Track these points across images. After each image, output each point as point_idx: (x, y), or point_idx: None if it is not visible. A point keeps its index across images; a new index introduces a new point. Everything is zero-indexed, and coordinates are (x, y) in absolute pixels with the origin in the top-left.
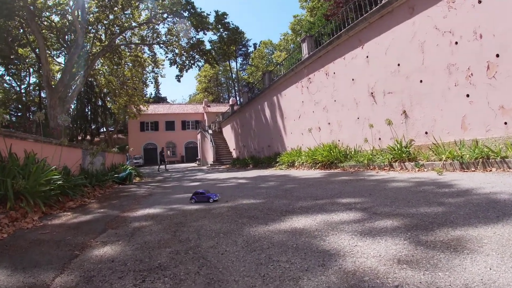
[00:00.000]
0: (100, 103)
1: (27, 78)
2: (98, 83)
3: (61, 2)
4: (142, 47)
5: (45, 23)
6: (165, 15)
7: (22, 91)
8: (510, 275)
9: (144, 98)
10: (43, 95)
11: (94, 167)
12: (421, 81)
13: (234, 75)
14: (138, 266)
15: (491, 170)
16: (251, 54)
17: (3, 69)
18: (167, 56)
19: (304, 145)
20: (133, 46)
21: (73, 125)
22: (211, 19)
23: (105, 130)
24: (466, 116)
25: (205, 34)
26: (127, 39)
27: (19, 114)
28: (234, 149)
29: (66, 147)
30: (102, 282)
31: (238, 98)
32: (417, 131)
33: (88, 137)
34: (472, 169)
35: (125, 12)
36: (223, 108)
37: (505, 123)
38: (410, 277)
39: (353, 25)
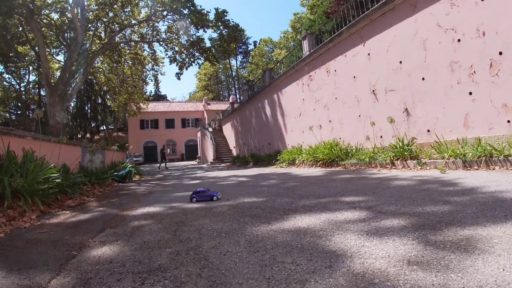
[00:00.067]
0: (100, 101)
1: (27, 76)
2: (98, 81)
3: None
4: (142, 44)
5: (45, 21)
6: (165, 13)
7: (22, 89)
8: None
9: (144, 96)
10: (42, 93)
11: (94, 165)
12: (423, 78)
13: (234, 73)
14: (137, 268)
15: (494, 169)
16: (251, 52)
17: (2, 67)
18: (167, 54)
19: (305, 143)
20: (132, 43)
21: (73, 123)
22: (211, 16)
23: (105, 128)
24: (468, 114)
25: (205, 32)
26: (126, 37)
27: (18, 112)
28: (234, 147)
29: (65, 145)
30: (99, 285)
31: (238, 96)
32: (419, 129)
33: (88, 135)
34: (475, 167)
35: (125, 9)
36: (223, 106)
37: (508, 121)
38: (422, 279)
39: (354, 22)
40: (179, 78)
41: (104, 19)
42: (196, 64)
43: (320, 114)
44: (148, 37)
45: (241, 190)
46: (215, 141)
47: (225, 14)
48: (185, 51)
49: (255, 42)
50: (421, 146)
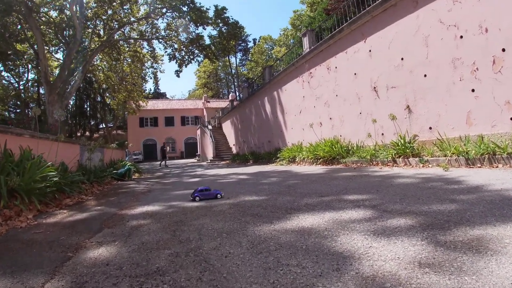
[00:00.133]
0: (99, 99)
1: (26, 75)
2: (97, 79)
3: None
4: (141, 42)
5: (43, 18)
6: (164, 10)
7: (21, 87)
8: None
9: (143, 93)
10: (42, 91)
11: (92, 163)
12: (425, 75)
13: (233, 71)
14: (134, 271)
15: (497, 166)
16: (250, 50)
17: (0, 64)
18: (166, 51)
19: (305, 141)
20: (132, 41)
21: (72, 121)
22: (211, 13)
23: (104, 126)
24: (471, 111)
25: (205, 29)
26: (125, 34)
27: (17, 110)
28: (234, 144)
29: (63, 143)
30: None
31: (237, 94)
32: (421, 126)
33: (87, 133)
34: (478, 165)
35: (124, 7)
36: (223, 103)
37: (511, 118)
38: (435, 282)
39: (355, 18)
40: (178, 76)
41: (103, 17)
42: (195, 62)
43: (321, 112)
44: (147, 34)
45: (242, 188)
46: (214, 139)
47: (224, 11)
48: (184, 48)
49: (254, 40)
50: (423, 144)
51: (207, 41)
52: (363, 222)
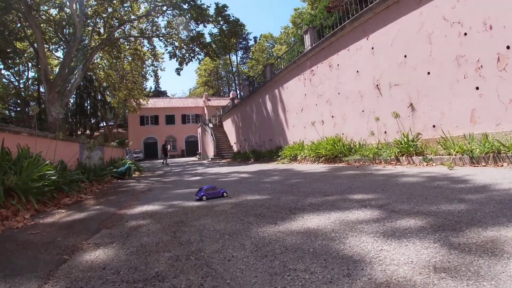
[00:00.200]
0: (99, 97)
1: (26, 73)
2: (98, 77)
3: None
4: (142, 40)
5: (43, 17)
6: (164, 8)
7: (21, 86)
8: None
9: (144, 92)
10: (42, 89)
11: (92, 162)
12: (428, 73)
13: (234, 69)
14: (132, 276)
15: (502, 165)
16: (251, 48)
17: None
18: (166, 49)
19: (307, 139)
20: (132, 39)
21: (72, 119)
22: (211, 11)
23: (104, 124)
24: (475, 109)
25: (205, 27)
26: (126, 32)
27: (18, 109)
28: (235, 143)
29: (63, 141)
30: None
31: (238, 92)
32: (425, 124)
33: (88, 131)
34: (483, 163)
35: (124, 5)
36: (224, 101)
37: None
38: None
39: (358, 15)
40: (179, 74)
41: (103, 15)
42: (196, 60)
43: (323, 109)
44: (147, 32)
45: (244, 187)
46: (215, 137)
47: (225, 8)
48: (185, 46)
49: (255, 38)
50: (427, 142)
51: (208, 39)
52: (371, 223)
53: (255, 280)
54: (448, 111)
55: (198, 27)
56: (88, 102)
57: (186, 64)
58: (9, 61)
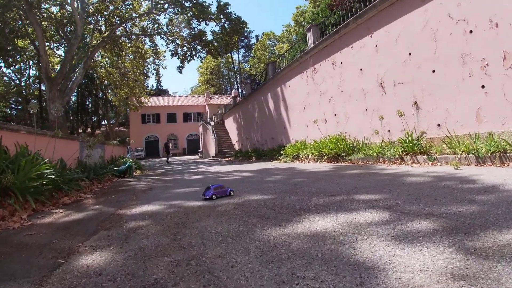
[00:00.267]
0: (101, 95)
1: (27, 71)
2: (99, 75)
3: None
4: (143, 38)
5: (44, 14)
6: (166, 5)
7: (22, 84)
8: None
9: (146, 90)
10: (43, 88)
11: (93, 160)
12: (433, 71)
13: (236, 67)
14: (129, 283)
15: (509, 165)
16: (253, 46)
17: (0, 60)
18: (168, 47)
19: (309, 137)
20: (133, 37)
21: (74, 117)
22: (213, 9)
23: (106, 122)
24: (481, 108)
25: (207, 25)
26: (127, 30)
27: (19, 107)
28: (236, 141)
29: (63, 139)
30: None
31: (240, 90)
32: (429, 123)
33: (89, 129)
34: (489, 163)
35: (126, 2)
36: (225, 100)
37: None
38: None
39: (361, 13)
40: (180, 72)
41: (105, 12)
42: (197, 58)
43: (325, 108)
44: (149, 30)
45: (246, 187)
46: (217, 136)
47: (227, 6)
48: (186, 44)
49: (257, 36)
50: (431, 141)
51: (210, 37)
52: (381, 225)
53: None
54: (453, 110)
55: (199, 25)
56: (90, 100)
57: (188, 62)
58: (10, 59)
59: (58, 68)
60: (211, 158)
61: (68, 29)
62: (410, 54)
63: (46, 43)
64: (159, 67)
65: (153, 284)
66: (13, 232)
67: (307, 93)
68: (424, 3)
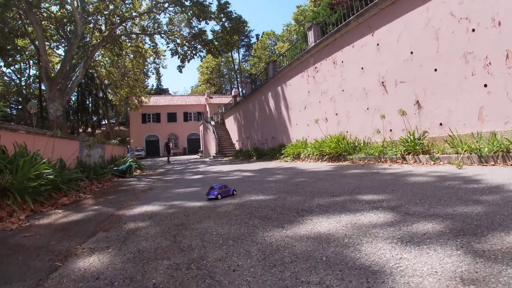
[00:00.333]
0: (101, 95)
1: (27, 71)
2: (99, 74)
3: None
4: (143, 37)
5: (44, 14)
6: (166, 5)
7: (22, 83)
8: None
9: (146, 89)
10: (43, 87)
11: (92, 160)
12: (435, 69)
13: (236, 66)
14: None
15: (511, 164)
16: (253, 45)
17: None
18: (168, 47)
19: (310, 137)
20: (133, 36)
21: (74, 117)
22: (213, 8)
23: (106, 122)
24: (483, 107)
25: (207, 24)
26: (127, 30)
27: (19, 107)
28: (237, 140)
29: (62, 139)
30: None
31: (240, 90)
32: (431, 122)
33: (90, 129)
34: (492, 163)
35: (126, 1)
36: (226, 99)
37: None
38: None
39: (362, 11)
40: (181, 71)
41: (105, 12)
42: (198, 57)
43: (326, 107)
44: (149, 29)
45: (247, 187)
46: (217, 135)
47: (227, 5)
48: (187, 43)
49: (257, 35)
50: (433, 140)
51: (210, 36)
52: (386, 227)
53: None
54: (456, 109)
55: (200, 24)
56: (90, 99)
57: (188, 62)
58: (10, 58)
59: (58, 67)
60: (212, 157)
61: (68, 29)
62: (412, 52)
63: (46, 43)
64: (159, 67)
65: None
66: (11, 233)
67: (308, 92)
68: (426, 2)
